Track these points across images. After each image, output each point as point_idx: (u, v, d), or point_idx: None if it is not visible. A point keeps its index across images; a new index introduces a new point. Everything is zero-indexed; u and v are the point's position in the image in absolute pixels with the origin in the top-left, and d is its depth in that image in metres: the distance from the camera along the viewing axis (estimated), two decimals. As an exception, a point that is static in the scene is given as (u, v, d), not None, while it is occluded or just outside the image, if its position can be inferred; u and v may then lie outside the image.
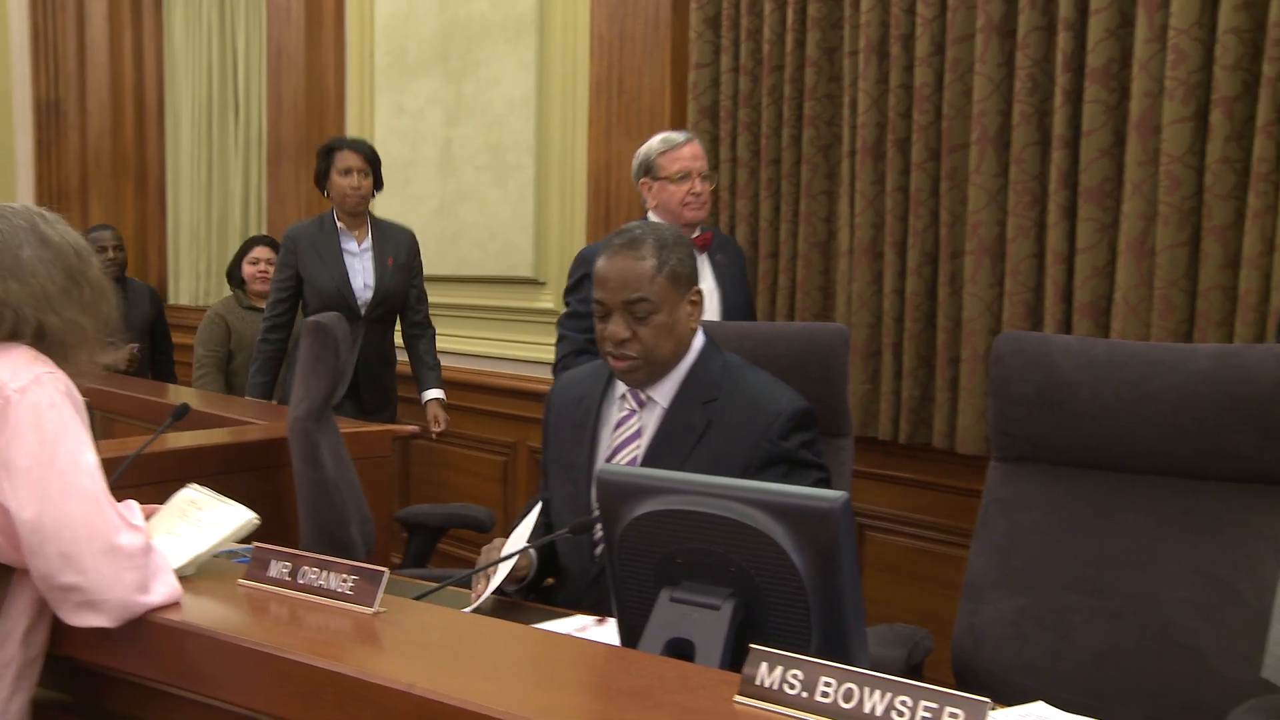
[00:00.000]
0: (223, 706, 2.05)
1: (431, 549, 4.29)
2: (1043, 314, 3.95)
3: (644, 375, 2.87)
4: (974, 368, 4.05)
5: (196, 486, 2.47)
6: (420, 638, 2.09)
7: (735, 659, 1.89)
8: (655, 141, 4.36)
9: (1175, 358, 2.77)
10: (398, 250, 5.41)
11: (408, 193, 6.28)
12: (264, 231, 7.35)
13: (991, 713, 2.09)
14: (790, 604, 1.97)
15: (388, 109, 6.45)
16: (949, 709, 1.59)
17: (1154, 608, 2.66)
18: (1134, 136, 3.70)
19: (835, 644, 1.96)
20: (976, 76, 4.05)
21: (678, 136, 4.35)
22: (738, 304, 4.35)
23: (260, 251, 6.21)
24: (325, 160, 5.37)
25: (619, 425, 2.93)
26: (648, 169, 4.33)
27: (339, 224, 5.37)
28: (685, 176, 4.26)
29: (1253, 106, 3.50)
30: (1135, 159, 3.70)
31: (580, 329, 4.15)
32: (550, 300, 5.64)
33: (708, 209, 4.34)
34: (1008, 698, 2.40)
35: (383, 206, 6.30)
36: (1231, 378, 2.64)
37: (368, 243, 5.38)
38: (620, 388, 2.94)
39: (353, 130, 6.68)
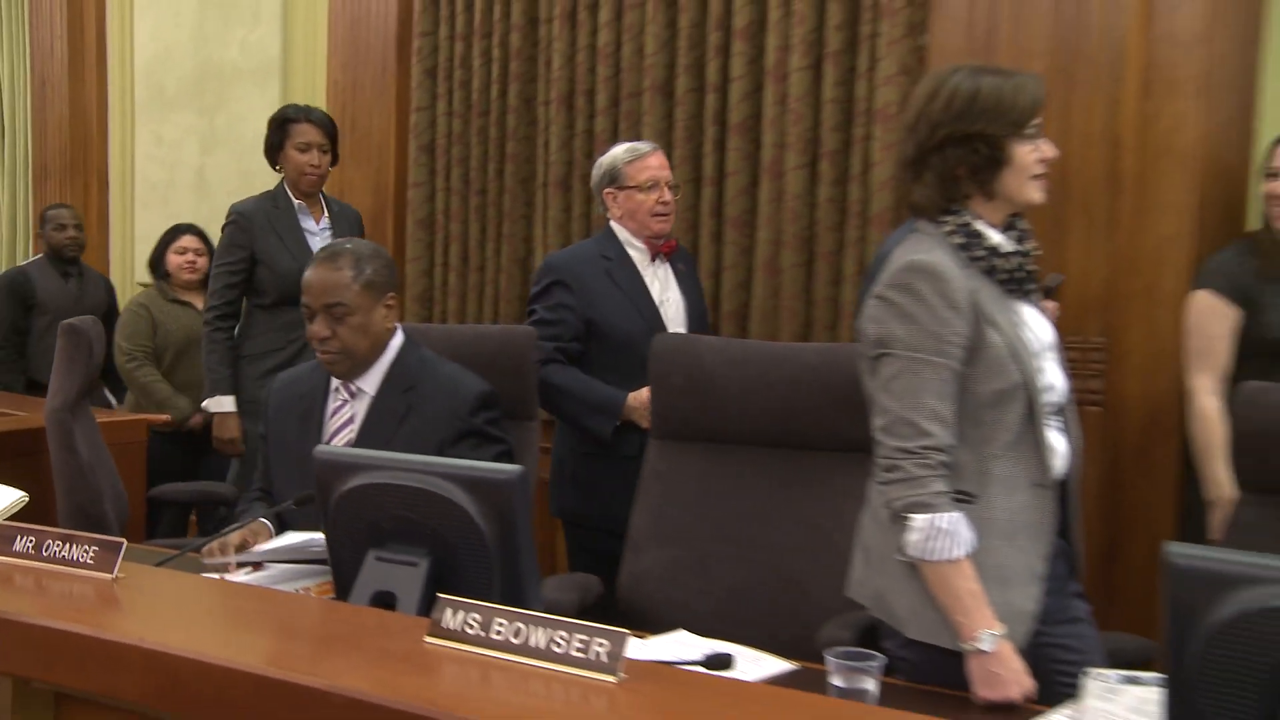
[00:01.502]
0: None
1: (184, 522, 4.14)
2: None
3: (344, 368, 2.88)
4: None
5: None
6: (154, 599, 2.04)
7: (431, 607, 1.92)
8: (620, 151, 3.63)
9: (792, 354, 2.93)
10: (352, 231, 4.33)
11: (166, 211, 5.99)
12: (31, 248, 6.70)
13: (639, 641, 2.19)
14: (476, 560, 2.00)
15: (148, 138, 6.17)
16: (597, 639, 1.64)
17: (772, 553, 2.80)
18: (765, 179, 3.88)
19: (513, 591, 1.99)
20: (644, 127, 4.16)
21: (643, 146, 3.65)
22: (700, 309, 3.72)
23: (188, 240, 4.99)
24: (279, 132, 4.23)
25: (334, 414, 2.93)
26: (613, 178, 3.58)
27: (296, 201, 4.25)
28: (654, 185, 3.54)
29: (849, 159, 3.72)
30: (767, 197, 3.87)
31: (548, 336, 3.42)
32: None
33: (673, 218, 3.65)
34: (662, 629, 2.47)
35: (142, 222, 6.07)
36: (830, 370, 2.80)
37: (325, 221, 4.28)
38: (336, 381, 2.94)
39: (115, 156, 6.31)
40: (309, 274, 2.89)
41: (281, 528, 2.83)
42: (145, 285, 5.41)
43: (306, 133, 4.19)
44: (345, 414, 2.91)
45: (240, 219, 4.19)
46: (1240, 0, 3.29)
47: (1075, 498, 2.24)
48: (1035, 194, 2.19)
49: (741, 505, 2.88)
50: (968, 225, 2.17)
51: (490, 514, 2.00)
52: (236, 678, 1.64)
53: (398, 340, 2.95)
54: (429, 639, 1.74)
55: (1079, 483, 2.26)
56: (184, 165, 6.03)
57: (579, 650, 1.64)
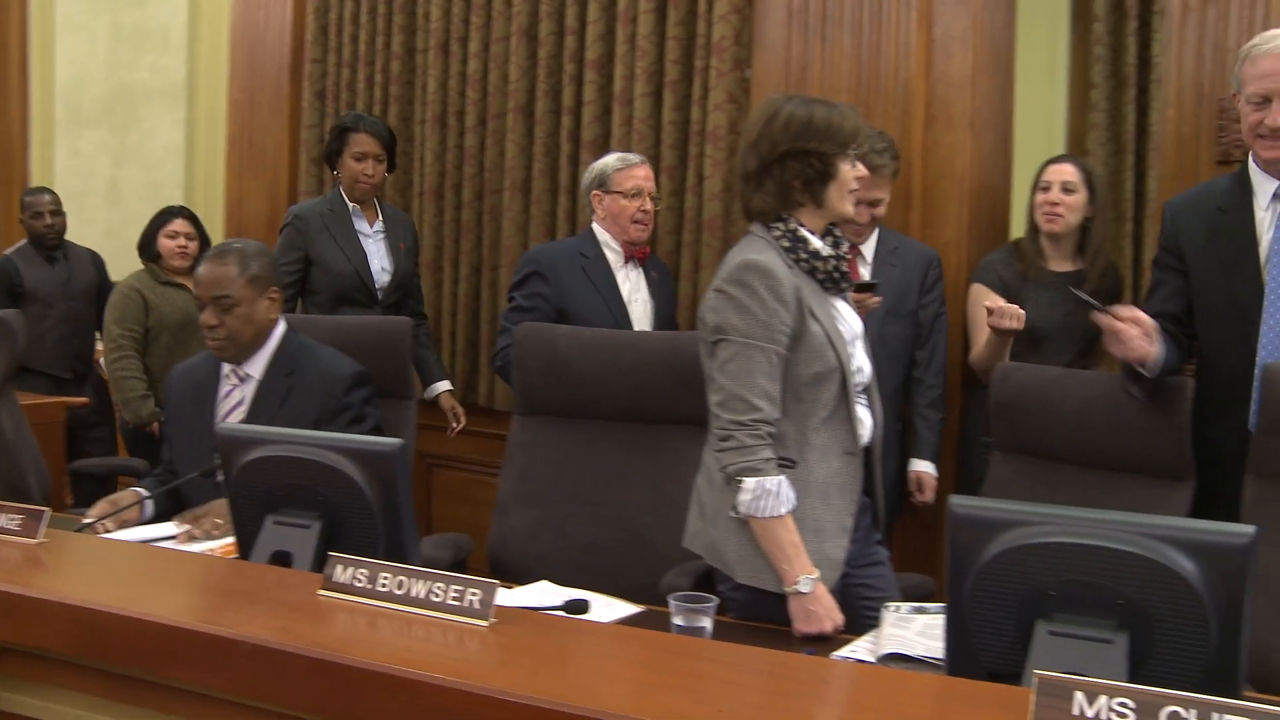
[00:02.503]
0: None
1: (99, 493, 3.95)
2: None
3: (231, 353, 2.80)
4: (507, 351, 4.11)
5: None
6: (75, 560, 1.98)
7: (324, 564, 1.87)
8: (612, 159, 3.38)
9: (637, 340, 2.93)
10: (405, 234, 3.91)
11: (81, 217, 5.68)
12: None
13: (506, 590, 2.16)
14: (363, 521, 1.96)
15: (66, 152, 5.90)
16: (470, 589, 1.63)
17: (621, 512, 2.79)
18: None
19: (396, 549, 1.95)
20: (508, 144, 4.11)
21: (633, 157, 3.38)
22: (668, 315, 3.47)
23: (180, 225, 4.35)
24: (339, 140, 3.79)
25: (226, 397, 2.83)
26: (601, 182, 3.33)
27: (351, 205, 3.80)
28: (638, 194, 3.28)
29: (685, 173, 3.74)
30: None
31: (522, 321, 3.19)
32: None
33: (651, 228, 3.42)
34: (527, 580, 2.45)
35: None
36: (671, 354, 2.79)
37: (379, 224, 3.85)
38: (227, 368, 2.85)
39: (36, 168, 6.00)
40: (200, 269, 2.82)
41: (179, 500, 2.75)
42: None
43: (363, 142, 3.77)
44: (235, 397, 2.83)
45: (297, 221, 3.78)
46: (997, 52, 3.41)
47: (877, 462, 2.28)
48: (850, 207, 2.23)
49: (594, 471, 2.86)
50: (794, 231, 2.18)
51: (375, 482, 1.96)
52: (150, 628, 1.60)
53: (280, 329, 2.88)
54: (322, 592, 1.72)
55: (880, 450, 2.30)
56: (98, 177, 5.79)
57: (455, 599, 1.64)
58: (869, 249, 3.23)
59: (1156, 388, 2.49)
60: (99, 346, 4.59)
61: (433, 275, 4.34)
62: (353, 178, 3.78)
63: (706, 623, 1.90)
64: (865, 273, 3.21)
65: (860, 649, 1.98)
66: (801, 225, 2.19)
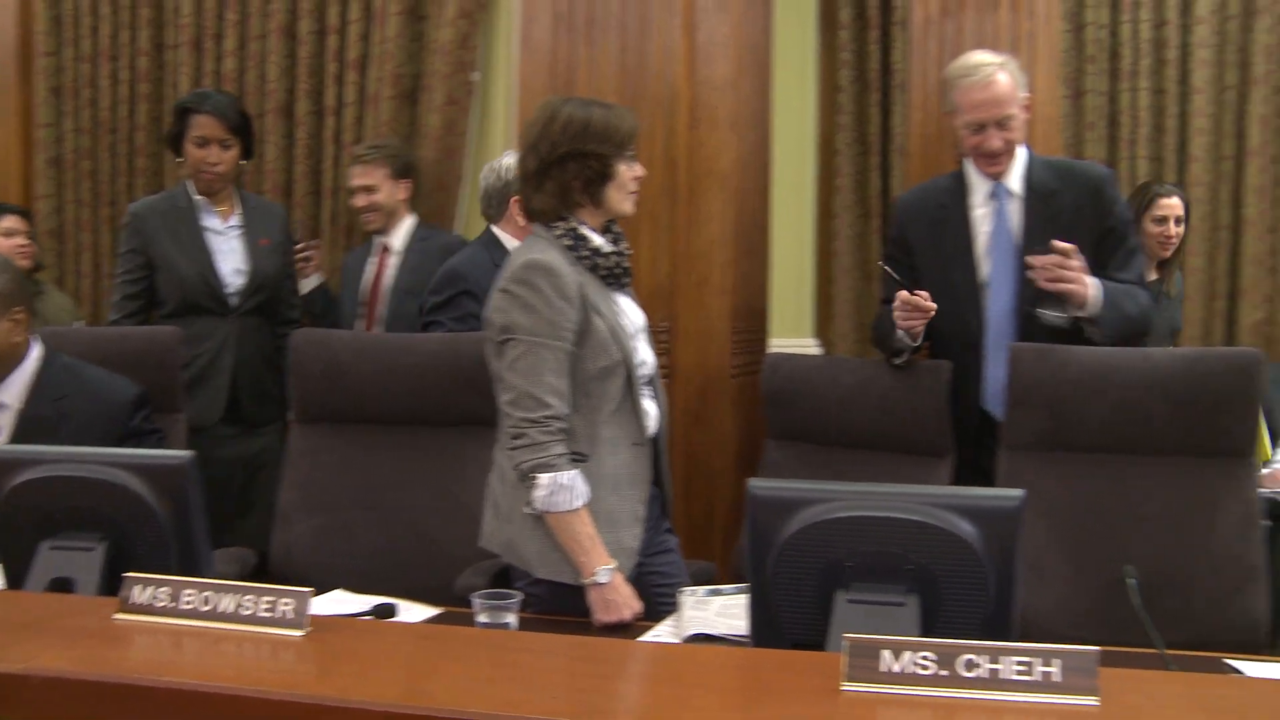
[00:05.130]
0: None
1: None
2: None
3: None
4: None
5: None
6: None
7: (113, 587, 1.77)
8: (505, 163, 3.09)
9: (416, 343, 2.88)
10: (270, 228, 3.40)
11: None
12: None
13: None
14: (153, 539, 1.88)
15: None
16: (282, 599, 1.62)
17: (408, 516, 2.77)
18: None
19: (190, 566, 1.89)
20: (268, 145, 4.00)
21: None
22: None
23: (13, 221, 3.72)
24: (179, 123, 3.30)
25: None
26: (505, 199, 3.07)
27: (196, 198, 3.33)
28: None
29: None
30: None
31: None
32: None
33: None
34: (317, 590, 2.39)
35: None
36: (451, 356, 2.78)
37: (235, 219, 3.36)
38: None
39: None
40: None
41: None
42: None
43: (204, 125, 3.28)
44: None
45: (134, 220, 3.31)
46: (756, 57, 3.58)
47: (664, 452, 2.36)
48: (629, 206, 2.30)
49: (379, 476, 2.82)
50: (575, 230, 2.24)
51: (164, 497, 1.89)
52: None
53: (36, 352, 2.68)
54: (119, 615, 1.65)
55: (666, 440, 2.38)
56: None
57: (267, 610, 1.61)
58: (399, 239, 3.48)
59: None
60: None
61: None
62: (195, 166, 3.32)
63: (512, 619, 1.93)
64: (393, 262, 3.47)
65: (663, 633, 2.05)
66: (583, 224, 2.25)
